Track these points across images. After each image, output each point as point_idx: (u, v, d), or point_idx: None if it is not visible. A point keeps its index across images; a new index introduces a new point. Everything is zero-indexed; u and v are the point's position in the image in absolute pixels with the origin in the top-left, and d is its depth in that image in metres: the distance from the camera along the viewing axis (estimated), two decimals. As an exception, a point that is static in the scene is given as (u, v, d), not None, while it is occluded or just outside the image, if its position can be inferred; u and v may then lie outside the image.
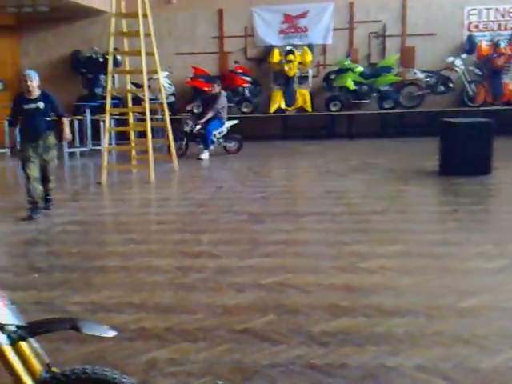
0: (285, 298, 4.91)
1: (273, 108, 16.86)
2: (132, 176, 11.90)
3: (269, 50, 17.12)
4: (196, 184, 10.87)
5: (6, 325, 2.35)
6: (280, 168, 13.00)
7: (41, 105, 8.05)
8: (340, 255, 6.03)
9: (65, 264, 6.01)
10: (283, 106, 16.84)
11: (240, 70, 17.14)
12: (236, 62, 17.34)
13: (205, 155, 13.48)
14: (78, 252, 6.40)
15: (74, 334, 3.76)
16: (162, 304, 4.87)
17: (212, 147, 13.81)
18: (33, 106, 8.02)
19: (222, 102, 13.98)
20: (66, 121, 8.57)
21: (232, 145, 14.21)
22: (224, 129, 13.89)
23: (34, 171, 8.01)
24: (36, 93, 8.08)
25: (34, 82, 8.03)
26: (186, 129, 13.84)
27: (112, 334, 2.54)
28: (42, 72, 17.31)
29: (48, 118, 8.18)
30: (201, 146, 13.75)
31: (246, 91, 17.10)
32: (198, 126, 13.65)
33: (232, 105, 16.58)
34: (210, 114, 13.73)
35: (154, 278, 5.53)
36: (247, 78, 17.06)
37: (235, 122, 14.09)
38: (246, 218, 7.79)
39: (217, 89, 14.05)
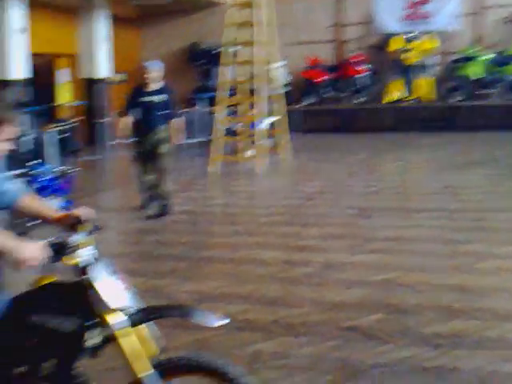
0: (394, 297, 4.77)
1: (388, 98, 16.39)
2: (241, 167, 12.02)
3: (389, 37, 16.63)
4: (305, 176, 10.81)
5: (123, 309, 2.42)
6: (394, 161, 12.58)
7: (159, 98, 7.72)
8: (454, 254, 5.79)
9: (174, 253, 6.18)
10: (400, 96, 16.31)
11: (357, 59, 16.81)
12: (353, 51, 17.04)
13: (252, 151, 12.50)
14: (187, 242, 6.56)
15: (183, 322, 3.88)
16: (268, 297, 4.88)
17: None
18: (150, 98, 7.71)
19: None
20: (175, 124, 8.01)
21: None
22: (267, 122, 12.91)
23: (146, 165, 7.81)
24: (155, 85, 7.77)
25: (154, 73, 7.75)
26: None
27: (220, 323, 2.55)
28: (159, 64, 18.20)
29: (163, 112, 7.76)
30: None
31: (362, 81, 16.77)
32: (240, 124, 12.97)
33: (345, 94, 16.35)
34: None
35: (260, 270, 5.56)
36: (363, 68, 16.72)
37: (276, 117, 13.41)
38: (355, 213, 7.66)
39: None
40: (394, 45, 16.15)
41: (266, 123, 12.68)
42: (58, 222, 2.68)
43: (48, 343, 2.41)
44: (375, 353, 3.86)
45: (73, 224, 2.59)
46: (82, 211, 2.63)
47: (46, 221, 2.76)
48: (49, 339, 2.40)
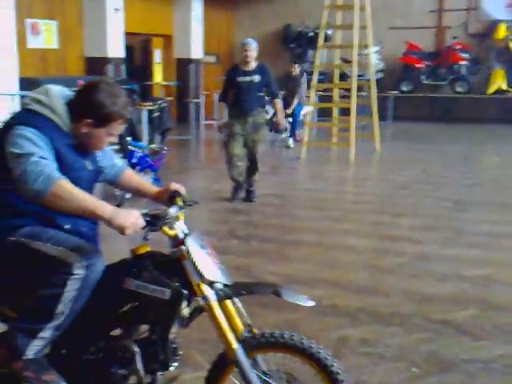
0: (489, 293, 4.58)
1: (492, 88, 15.72)
2: (331, 153, 11.90)
3: (494, 24, 15.95)
4: (398, 165, 10.53)
5: (214, 282, 2.43)
6: (494, 154, 12.08)
7: (256, 78, 7.20)
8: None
9: (262, 234, 6.17)
10: (505, 87, 15.62)
11: (458, 46, 16.20)
12: (455, 38, 16.42)
13: (291, 142, 12.37)
14: (275, 224, 6.54)
15: (271, 301, 3.88)
16: (356, 284, 4.79)
17: (298, 131, 12.64)
18: (247, 78, 7.21)
19: (304, 84, 12.55)
20: (279, 103, 7.67)
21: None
22: (307, 110, 12.42)
23: (237, 149, 7.30)
24: (253, 64, 7.29)
25: (254, 52, 7.27)
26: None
27: (311, 303, 2.52)
28: (253, 46, 18.20)
29: (261, 94, 7.36)
30: (284, 135, 12.50)
31: (463, 69, 16.20)
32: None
33: (444, 83, 15.83)
34: (295, 102, 12.28)
35: (348, 256, 5.47)
36: (465, 55, 16.12)
37: (310, 108, 12.59)
38: (450, 205, 7.40)
39: (297, 70, 12.49)
40: (499, 33, 15.40)
41: (307, 109, 12.34)
42: (156, 196, 2.78)
43: (144, 309, 2.46)
44: (467, 348, 3.72)
45: (170, 198, 2.66)
46: (177, 186, 2.70)
47: (144, 195, 2.88)
48: (145, 306, 2.45)
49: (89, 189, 2.58)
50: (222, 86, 7.67)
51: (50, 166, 2.31)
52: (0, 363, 2.49)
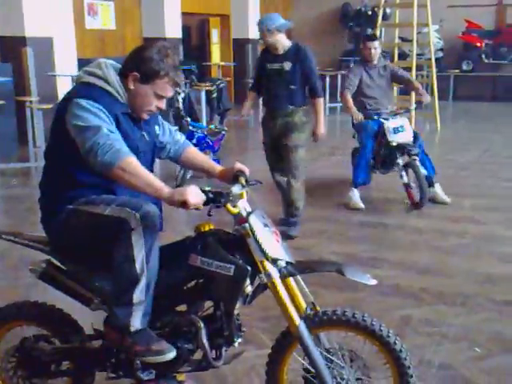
0: (555, 275, 4.46)
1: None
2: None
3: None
4: (459, 145, 10.28)
5: (278, 259, 2.45)
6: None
7: (286, 65, 5.30)
8: None
9: (323, 214, 6.16)
10: None
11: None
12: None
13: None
14: (335, 204, 6.50)
15: (331, 281, 3.90)
16: (419, 264, 4.75)
17: None
18: (276, 66, 5.35)
19: None
20: (319, 105, 5.47)
21: None
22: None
23: (272, 160, 5.60)
24: (284, 47, 5.33)
25: (269, 36, 5.26)
26: None
27: (373, 282, 2.52)
28: (310, 26, 18.05)
29: (294, 87, 5.34)
30: None
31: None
32: None
33: (505, 62, 15.35)
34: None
35: (410, 237, 5.42)
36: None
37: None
38: (513, 185, 7.23)
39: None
40: None
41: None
42: (219, 175, 2.79)
43: (209, 286, 2.51)
44: (533, 330, 3.66)
45: (233, 177, 2.67)
46: (242, 166, 2.72)
47: (208, 173, 2.89)
48: (210, 282, 2.49)
49: (148, 160, 2.61)
50: (254, 72, 6.09)
51: (119, 141, 2.37)
52: (114, 346, 2.57)
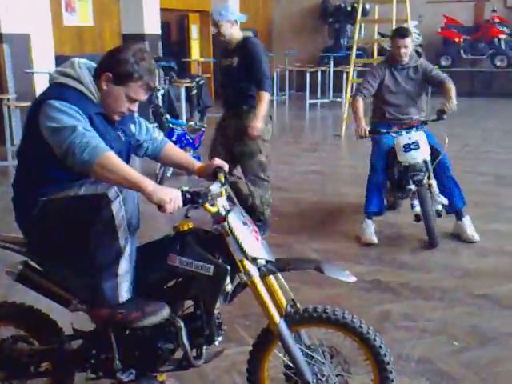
0: (532, 268, 4.53)
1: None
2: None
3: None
4: (437, 140, 10.33)
5: (257, 258, 2.46)
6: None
7: (235, 61, 4.96)
8: None
9: (304, 211, 6.18)
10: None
11: (497, 20, 15.84)
12: (493, 11, 16.02)
13: None
14: (316, 201, 6.53)
15: (312, 278, 3.91)
16: (398, 260, 4.78)
17: None
18: (227, 61, 5.02)
19: None
20: (261, 97, 4.83)
21: None
22: None
23: (220, 153, 4.95)
24: (235, 41, 4.99)
25: (224, 27, 4.93)
26: None
27: (353, 279, 2.54)
28: (291, 21, 18.06)
29: (244, 84, 4.94)
30: None
31: (502, 43, 15.82)
32: None
33: (484, 57, 15.49)
34: None
35: (390, 233, 5.45)
36: (505, 29, 15.75)
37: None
38: (491, 180, 7.32)
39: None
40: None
41: None
42: (198, 171, 2.79)
43: (188, 285, 2.51)
44: (508, 322, 3.72)
45: (212, 174, 2.67)
46: (221, 162, 2.71)
47: (187, 170, 2.89)
48: (189, 281, 2.49)
49: (124, 160, 2.58)
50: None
51: (96, 138, 2.36)
52: (106, 324, 2.53)
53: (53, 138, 2.36)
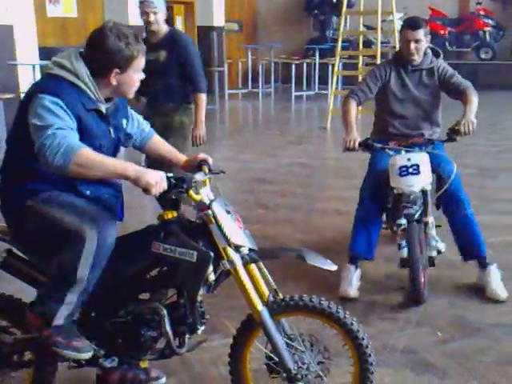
0: (515, 260, 4.55)
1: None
2: (357, 122, 11.75)
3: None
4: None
5: (240, 246, 2.47)
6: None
7: (161, 55, 4.62)
8: None
9: (289, 203, 6.18)
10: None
11: (482, 12, 15.94)
12: (478, 4, 16.10)
13: None
14: (301, 193, 6.53)
15: (295, 270, 3.92)
16: (383, 251, 4.77)
17: None
18: (152, 56, 4.39)
19: None
20: (200, 101, 4.78)
21: None
22: None
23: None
24: (161, 34, 4.65)
25: (160, 15, 4.58)
26: None
27: (334, 267, 2.55)
28: (276, 13, 18.00)
29: (171, 80, 4.69)
30: None
31: (487, 35, 15.92)
32: None
33: (469, 49, 15.57)
34: None
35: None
36: (489, 21, 15.85)
37: None
38: (475, 172, 7.35)
39: None
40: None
41: None
42: (183, 165, 2.82)
43: (172, 273, 2.50)
44: (493, 313, 3.75)
45: (197, 166, 2.70)
46: (205, 156, 2.75)
47: (172, 163, 2.89)
48: (173, 269, 2.49)
49: (109, 155, 2.56)
50: None
51: (68, 136, 2.29)
52: (33, 330, 2.54)
53: (32, 134, 2.34)
